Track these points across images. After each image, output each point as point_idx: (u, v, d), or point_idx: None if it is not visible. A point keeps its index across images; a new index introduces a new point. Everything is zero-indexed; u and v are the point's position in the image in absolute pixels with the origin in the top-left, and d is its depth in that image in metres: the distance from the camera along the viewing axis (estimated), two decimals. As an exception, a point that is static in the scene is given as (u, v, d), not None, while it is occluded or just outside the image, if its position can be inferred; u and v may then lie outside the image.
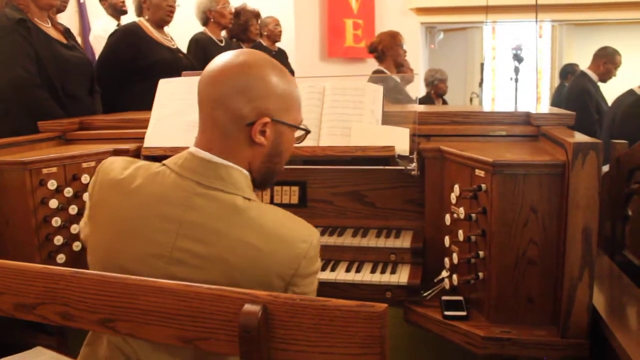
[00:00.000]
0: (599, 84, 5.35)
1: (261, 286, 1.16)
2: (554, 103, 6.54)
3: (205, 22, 4.38)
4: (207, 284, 1.15)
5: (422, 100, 6.56)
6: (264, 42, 5.23)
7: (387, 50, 4.52)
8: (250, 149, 1.28)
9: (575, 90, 5.38)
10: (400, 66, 4.64)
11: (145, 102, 2.37)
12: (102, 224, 1.30)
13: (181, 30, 4.17)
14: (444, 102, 6.76)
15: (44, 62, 2.74)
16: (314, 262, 1.26)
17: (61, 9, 2.89)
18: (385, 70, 4.50)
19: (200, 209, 1.22)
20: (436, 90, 6.61)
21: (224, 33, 4.73)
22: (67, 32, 3.02)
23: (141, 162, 1.34)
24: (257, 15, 4.98)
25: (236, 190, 1.25)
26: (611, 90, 5.27)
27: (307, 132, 1.43)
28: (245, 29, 4.82)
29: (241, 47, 4.80)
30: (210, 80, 1.26)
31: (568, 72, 6.74)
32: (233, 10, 4.45)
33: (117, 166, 1.33)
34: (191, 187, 1.23)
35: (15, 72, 2.65)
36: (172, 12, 3.51)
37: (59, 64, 2.82)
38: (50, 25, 2.90)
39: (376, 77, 3.83)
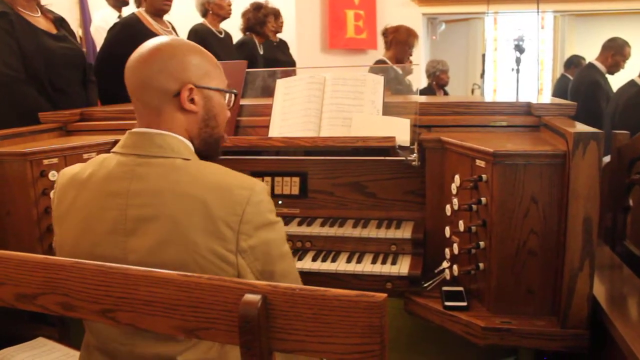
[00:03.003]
0: (607, 75, 5.31)
1: (213, 238, 1.25)
2: (556, 94, 6.51)
3: (204, 13, 4.39)
4: (162, 247, 1.25)
5: (424, 91, 6.53)
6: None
7: (395, 43, 4.56)
8: (185, 118, 1.38)
9: (585, 83, 5.27)
10: (403, 61, 4.65)
11: None
12: (65, 220, 1.38)
13: (182, 21, 4.16)
14: (445, 93, 6.74)
15: (28, 55, 2.65)
16: (262, 210, 1.31)
17: None
18: (387, 60, 4.50)
19: (143, 177, 1.30)
20: (437, 81, 6.59)
21: (240, 25, 4.72)
22: (58, 21, 2.90)
23: (95, 157, 1.43)
24: (276, 13, 4.98)
25: (175, 153, 1.34)
26: (617, 81, 5.23)
27: (233, 93, 1.51)
28: (262, 23, 4.82)
29: (253, 41, 4.79)
30: (132, 71, 1.37)
31: (572, 63, 6.68)
32: (231, 2, 4.44)
33: (70, 168, 1.44)
34: (133, 160, 1.33)
35: None
36: (169, 0, 3.49)
37: (46, 57, 2.72)
38: (39, 14, 2.80)
39: (377, 67, 3.83)
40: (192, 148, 1.40)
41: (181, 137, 1.37)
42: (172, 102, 1.36)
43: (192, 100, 1.37)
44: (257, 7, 4.81)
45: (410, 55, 4.64)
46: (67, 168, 1.44)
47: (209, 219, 1.26)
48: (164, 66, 1.35)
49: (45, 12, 2.86)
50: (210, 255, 1.26)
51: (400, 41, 4.56)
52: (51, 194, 1.47)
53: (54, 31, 2.84)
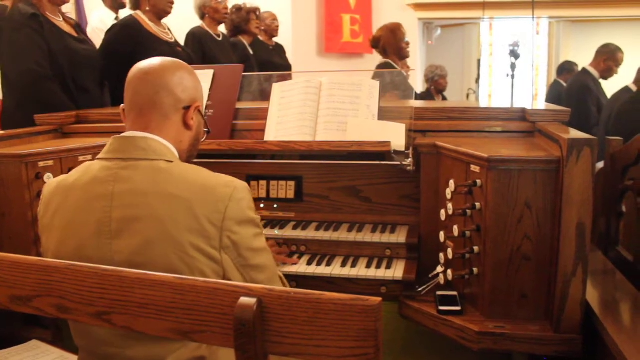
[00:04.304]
0: (601, 80, 5.36)
1: (197, 236, 1.29)
2: (549, 99, 6.54)
3: (202, 16, 4.40)
4: (148, 247, 1.27)
5: (422, 96, 6.55)
6: (261, 37, 5.22)
7: (388, 47, 4.50)
8: (182, 131, 1.47)
9: (575, 87, 5.39)
10: (404, 58, 4.60)
11: None
12: (51, 227, 1.39)
13: (181, 23, 4.16)
14: (444, 98, 6.76)
15: (56, 55, 2.80)
16: (244, 207, 1.35)
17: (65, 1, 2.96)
18: (392, 63, 4.46)
19: (127, 179, 1.34)
20: (436, 86, 6.61)
21: (222, 27, 4.74)
22: (77, 26, 3.08)
23: (80, 165, 1.46)
24: (256, 11, 5.00)
25: (158, 156, 1.38)
26: (612, 87, 5.27)
27: (209, 131, 1.62)
28: (247, 21, 4.85)
29: (242, 43, 4.81)
30: (152, 73, 1.43)
31: (565, 69, 6.74)
32: (228, 6, 4.45)
33: (55, 178, 1.47)
34: (117, 164, 1.36)
35: (27, 66, 2.72)
36: (173, 2, 3.52)
37: (71, 56, 2.88)
38: (61, 19, 2.97)
39: (380, 71, 3.81)
40: (176, 153, 1.45)
41: (165, 142, 1.42)
42: (179, 113, 1.45)
43: (191, 119, 1.48)
44: (238, 8, 4.87)
45: (407, 45, 4.58)
46: (53, 179, 1.47)
47: (193, 217, 1.30)
48: (183, 79, 1.46)
49: (66, 18, 3.05)
50: (196, 253, 1.29)
51: (391, 43, 4.49)
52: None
53: (75, 34, 3.00)
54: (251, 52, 4.88)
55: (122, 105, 1.50)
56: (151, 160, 1.36)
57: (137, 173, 1.34)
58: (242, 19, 4.86)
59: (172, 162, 1.39)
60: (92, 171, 1.38)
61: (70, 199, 1.37)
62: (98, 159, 1.42)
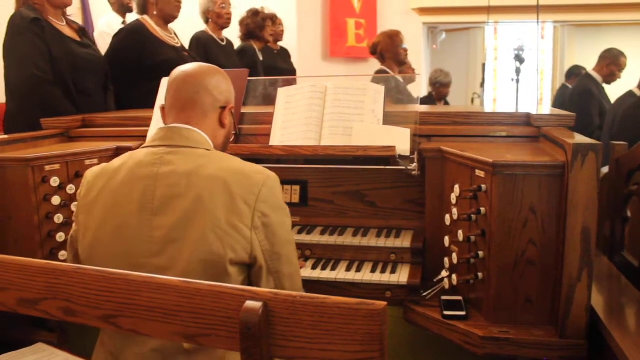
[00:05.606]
0: (604, 85, 5.37)
1: (232, 213, 1.41)
2: (556, 103, 6.54)
3: (206, 21, 4.42)
4: (186, 222, 1.39)
5: (424, 100, 6.54)
6: (266, 41, 5.23)
7: (386, 53, 4.51)
8: (218, 128, 1.63)
9: (578, 92, 5.42)
10: (403, 64, 4.62)
11: (152, 102, 2.39)
12: (93, 207, 1.49)
13: (186, 27, 4.18)
14: (446, 103, 6.76)
15: (56, 59, 2.82)
16: (276, 194, 1.49)
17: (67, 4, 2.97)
18: (388, 70, 4.48)
19: (171, 162, 1.48)
20: (437, 92, 6.61)
21: (237, 32, 4.75)
22: (81, 31, 3.10)
23: (123, 154, 1.59)
24: (273, 18, 5.02)
25: (198, 145, 1.53)
26: (616, 91, 5.27)
27: (236, 134, 1.75)
28: (262, 27, 4.86)
29: (253, 48, 4.82)
30: (193, 75, 1.60)
31: (573, 73, 6.73)
32: (231, 11, 4.46)
33: (96, 166, 1.59)
34: (162, 150, 1.51)
35: (29, 71, 2.74)
36: (180, 7, 3.53)
37: (72, 61, 2.89)
38: (65, 23, 2.99)
39: (378, 77, 3.82)
40: (212, 145, 1.59)
41: (205, 134, 1.57)
42: (216, 112, 1.61)
43: (226, 118, 1.64)
44: (255, 13, 4.86)
45: (405, 51, 4.59)
46: (96, 166, 1.59)
47: (229, 196, 1.41)
48: (219, 82, 1.63)
49: (70, 22, 3.06)
50: (229, 229, 1.40)
51: (388, 49, 4.50)
52: (77, 191, 1.59)
53: (78, 39, 3.02)
54: (261, 58, 4.89)
55: (161, 104, 1.63)
56: (193, 148, 1.51)
57: (180, 157, 1.48)
58: (257, 25, 4.86)
59: (210, 150, 1.54)
60: (138, 157, 1.51)
61: (116, 179, 1.49)
62: (144, 146, 1.55)
